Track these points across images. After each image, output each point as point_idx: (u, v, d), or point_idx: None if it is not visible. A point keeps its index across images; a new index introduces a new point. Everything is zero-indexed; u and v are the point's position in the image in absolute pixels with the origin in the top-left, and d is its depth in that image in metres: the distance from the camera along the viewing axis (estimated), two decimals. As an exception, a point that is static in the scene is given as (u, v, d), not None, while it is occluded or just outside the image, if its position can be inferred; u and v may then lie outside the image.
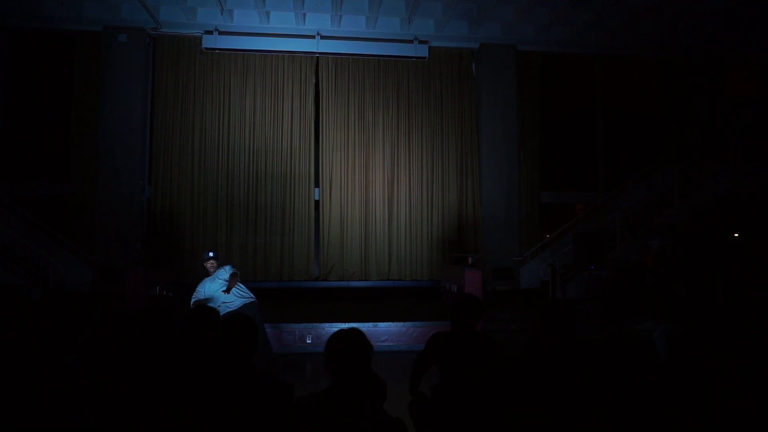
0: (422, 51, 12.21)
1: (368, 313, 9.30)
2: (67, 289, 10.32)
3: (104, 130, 11.44)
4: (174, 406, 2.55)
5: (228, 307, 6.31)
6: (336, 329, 2.52)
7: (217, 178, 11.88)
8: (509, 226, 12.36)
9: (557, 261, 11.34)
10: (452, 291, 10.14)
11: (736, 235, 12.80)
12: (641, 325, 6.59)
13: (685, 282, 7.77)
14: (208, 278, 6.55)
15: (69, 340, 3.31)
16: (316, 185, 12.27)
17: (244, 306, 6.40)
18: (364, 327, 8.27)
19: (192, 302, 6.40)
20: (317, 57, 12.23)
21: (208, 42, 11.69)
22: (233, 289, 6.45)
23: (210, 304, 5.98)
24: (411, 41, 12.16)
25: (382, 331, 8.51)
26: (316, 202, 12.24)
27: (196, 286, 6.67)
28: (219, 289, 6.40)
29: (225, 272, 6.46)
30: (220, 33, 11.71)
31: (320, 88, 12.29)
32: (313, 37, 11.98)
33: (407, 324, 8.59)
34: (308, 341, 8.32)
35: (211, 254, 6.63)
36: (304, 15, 11.66)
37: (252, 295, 6.63)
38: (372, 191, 12.34)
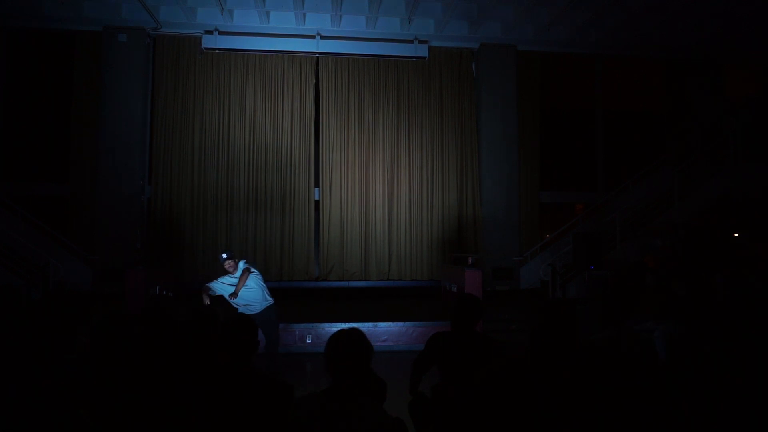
0: (422, 51, 12.21)
1: (368, 313, 9.30)
2: (67, 289, 10.32)
3: (104, 130, 11.44)
4: (174, 407, 2.55)
5: (249, 309, 6.35)
6: (336, 329, 2.52)
7: (217, 178, 11.88)
8: (509, 226, 12.36)
9: (557, 261, 11.34)
10: (452, 291, 10.14)
11: (736, 235, 12.80)
12: (641, 325, 6.59)
13: (685, 282, 7.78)
14: (230, 276, 6.47)
15: (69, 340, 3.30)
16: (316, 185, 12.27)
17: (265, 310, 6.45)
18: (364, 327, 8.26)
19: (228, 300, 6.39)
20: (317, 57, 12.23)
21: (208, 42, 11.69)
22: (259, 292, 6.44)
23: (242, 304, 6.30)
24: (411, 41, 12.16)
25: (382, 331, 8.51)
26: (316, 202, 12.24)
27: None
28: (254, 285, 6.41)
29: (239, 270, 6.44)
30: (220, 33, 11.72)
31: (320, 88, 12.29)
32: (313, 37, 11.98)
33: (407, 324, 8.59)
34: (308, 341, 8.32)
35: (225, 255, 6.53)
36: (304, 15, 11.66)
37: (271, 298, 6.62)
38: (372, 191, 12.34)
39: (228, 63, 12.02)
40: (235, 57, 12.01)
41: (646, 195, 12.55)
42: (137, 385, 2.62)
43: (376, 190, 12.34)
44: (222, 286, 6.44)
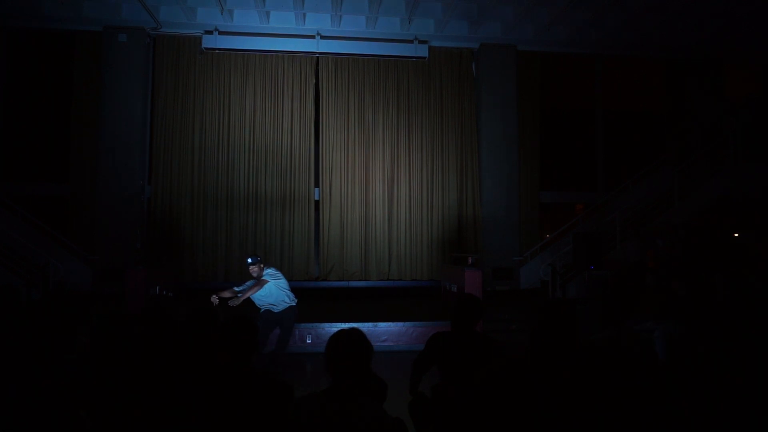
0: (422, 51, 12.21)
1: (368, 313, 9.29)
2: (67, 289, 10.32)
3: (104, 130, 11.44)
4: (174, 407, 2.55)
5: (273, 309, 6.72)
6: (336, 329, 2.52)
7: (217, 178, 11.88)
8: (509, 226, 12.36)
9: (557, 261, 11.34)
10: (452, 291, 10.13)
11: (736, 235, 12.80)
12: (641, 325, 6.59)
13: (685, 282, 7.77)
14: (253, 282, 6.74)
15: (69, 340, 3.30)
16: (316, 185, 12.27)
17: (287, 310, 6.77)
18: (364, 327, 8.25)
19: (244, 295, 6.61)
20: (317, 57, 12.23)
21: (208, 42, 11.69)
22: (281, 294, 6.72)
23: (264, 302, 6.63)
24: (411, 41, 12.16)
25: (382, 331, 8.50)
26: (316, 202, 12.24)
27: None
28: (274, 289, 6.67)
29: (266, 275, 6.66)
30: (220, 33, 11.71)
31: (320, 88, 12.29)
32: (313, 37, 11.98)
33: (407, 324, 8.58)
34: (308, 341, 8.31)
35: (249, 260, 6.75)
36: (304, 15, 11.65)
37: (293, 299, 6.88)
38: (372, 191, 12.34)
39: (228, 63, 12.02)
40: (235, 57, 12.01)
41: (646, 195, 12.54)
42: (137, 385, 2.62)
43: (376, 190, 12.34)
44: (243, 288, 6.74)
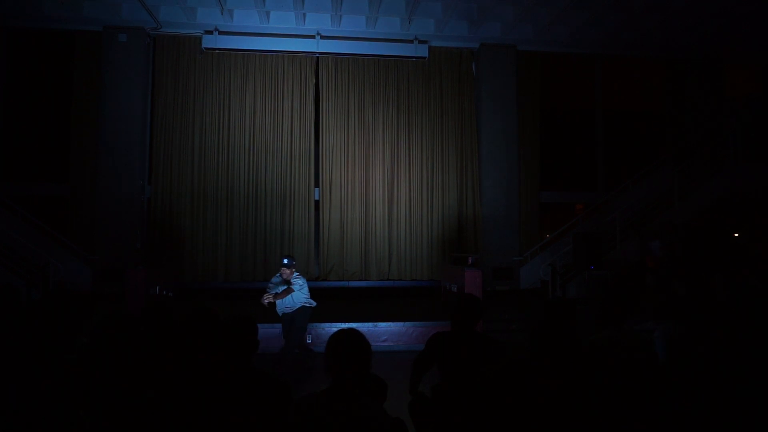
0: (422, 51, 12.21)
1: (368, 313, 9.28)
2: (67, 289, 10.32)
3: (104, 130, 11.44)
4: (173, 406, 2.55)
5: (288, 310, 7.01)
6: (336, 329, 2.52)
7: (217, 178, 11.88)
8: (509, 226, 12.36)
9: (557, 261, 11.34)
10: (452, 291, 10.13)
11: (736, 235, 12.80)
12: (641, 325, 6.58)
13: (685, 282, 7.78)
14: (279, 276, 7.07)
15: (69, 340, 3.30)
16: (316, 185, 12.27)
17: (299, 309, 7.01)
18: (364, 327, 8.27)
19: (268, 294, 6.94)
20: (317, 57, 12.23)
21: (208, 42, 11.69)
22: (301, 296, 6.97)
23: (281, 306, 6.92)
24: (411, 41, 12.16)
25: (382, 331, 8.50)
26: (316, 202, 12.24)
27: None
28: (297, 293, 6.92)
29: (295, 284, 6.93)
30: (220, 33, 11.72)
31: (320, 88, 12.29)
32: (313, 37, 11.98)
33: (407, 324, 8.58)
34: (308, 341, 8.31)
35: (286, 261, 7.02)
36: (304, 15, 11.65)
37: (312, 303, 7.15)
38: (372, 191, 12.34)
39: (228, 63, 12.02)
40: (235, 57, 12.01)
41: (646, 195, 12.54)
42: (137, 385, 2.62)
43: (376, 190, 12.34)
44: (270, 285, 7.09)
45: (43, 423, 2.45)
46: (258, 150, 12.07)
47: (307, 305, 7.08)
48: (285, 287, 6.93)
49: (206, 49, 11.76)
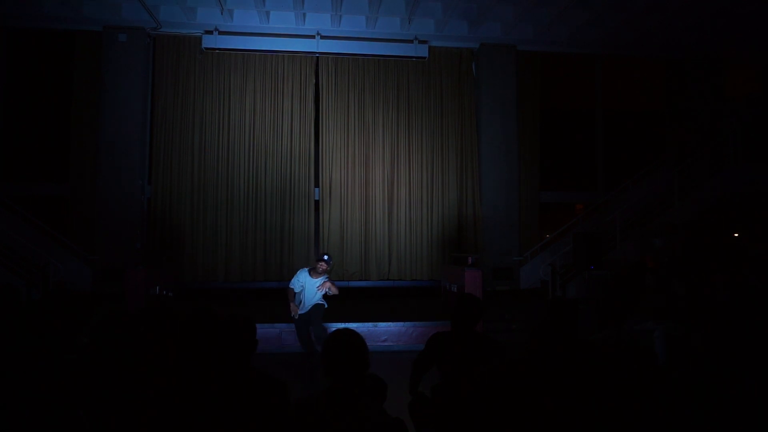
0: (422, 51, 12.21)
1: (368, 313, 9.28)
2: (67, 289, 10.32)
3: (104, 129, 11.44)
4: (173, 406, 2.55)
5: (305, 306, 7.31)
6: (335, 329, 2.52)
7: (217, 177, 11.88)
8: (509, 226, 12.36)
9: (557, 261, 11.34)
10: (452, 291, 10.13)
11: (737, 235, 12.80)
12: (641, 325, 6.59)
13: (685, 282, 7.77)
14: (307, 272, 7.36)
15: (69, 340, 3.30)
16: (316, 185, 12.27)
17: (314, 306, 7.31)
18: (364, 327, 8.28)
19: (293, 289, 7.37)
20: (317, 57, 12.23)
21: (208, 42, 11.69)
22: (317, 293, 7.29)
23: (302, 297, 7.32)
24: (411, 41, 12.16)
25: (382, 331, 8.51)
26: (316, 202, 12.24)
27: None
28: (314, 289, 7.27)
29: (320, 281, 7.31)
30: (220, 33, 11.72)
31: (320, 88, 12.29)
32: (313, 37, 11.98)
33: (407, 324, 8.58)
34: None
35: (326, 258, 7.45)
36: (304, 15, 11.65)
37: (325, 301, 7.47)
38: (372, 191, 12.34)
39: (228, 63, 12.02)
40: (235, 57, 12.01)
41: (646, 195, 12.55)
42: (137, 384, 2.62)
43: (376, 190, 12.34)
44: (304, 281, 7.35)
45: (43, 423, 2.45)
46: (258, 150, 12.07)
47: (321, 303, 7.37)
48: (320, 281, 7.24)
49: (206, 49, 11.76)
